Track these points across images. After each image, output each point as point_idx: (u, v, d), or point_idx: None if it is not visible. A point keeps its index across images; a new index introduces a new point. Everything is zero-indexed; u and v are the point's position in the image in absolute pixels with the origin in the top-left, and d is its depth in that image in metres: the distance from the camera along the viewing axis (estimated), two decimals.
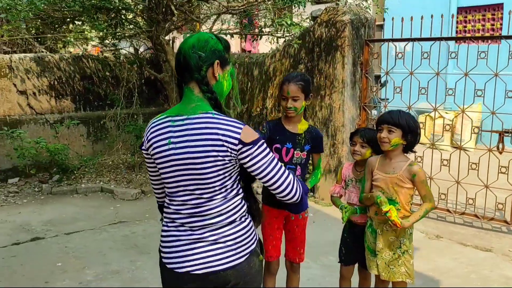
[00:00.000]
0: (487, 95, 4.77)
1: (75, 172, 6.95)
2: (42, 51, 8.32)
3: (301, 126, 2.94)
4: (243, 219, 1.88)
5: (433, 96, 5.09)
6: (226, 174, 1.79)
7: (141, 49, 8.19)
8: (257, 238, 1.95)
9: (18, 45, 9.35)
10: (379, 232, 2.81)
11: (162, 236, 1.90)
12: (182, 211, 1.83)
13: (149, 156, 1.88)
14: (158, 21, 6.06)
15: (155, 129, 1.83)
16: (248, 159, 1.77)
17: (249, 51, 13.81)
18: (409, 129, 2.67)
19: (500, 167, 4.73)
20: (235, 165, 1.81)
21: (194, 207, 1.81)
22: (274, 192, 1.85)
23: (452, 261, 4.21)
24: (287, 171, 1.86)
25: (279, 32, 6.92)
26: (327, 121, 5.68)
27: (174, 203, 1.85)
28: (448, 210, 5.17)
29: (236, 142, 1.74)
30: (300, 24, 6.67)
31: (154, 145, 1.82)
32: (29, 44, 9.12)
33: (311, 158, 3.06)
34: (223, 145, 1.73)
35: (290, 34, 6.46)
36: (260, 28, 6.96)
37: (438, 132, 7.74)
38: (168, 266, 1.86)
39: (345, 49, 5.42)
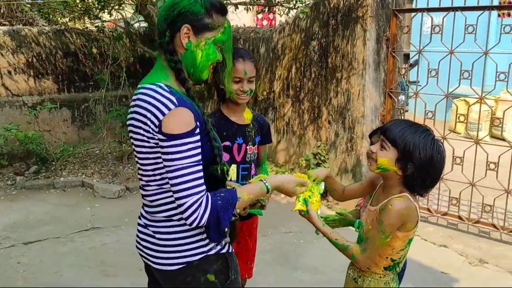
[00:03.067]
0: None
1: (54, 162, 6.09)
2: (44, 25, 7.41)
3: (247, 115, 2.42)
4: (183, 221, 1.53)
5: (477, 80, 4.03)
6: (158, 160, 1.51)
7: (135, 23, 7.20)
8: (214, 253, 1.61)
9: (17, 18, 8.51)
10: (347, 274, 1.99)
11: None
12: (139, 189, 1.68)
13: None
14: None
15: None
16: (161, 149, 1.47)
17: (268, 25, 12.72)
18: (409, 155, 1.66)
19: None
20: None
21: (141, 188, 1.65)
22: (176, 204, 1.50)
23: None
24: (199, 188, 1.46)
25: (290, 2, 5.87)
26: (344, 110, 4.64)
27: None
28: (493, 225, 4.13)
29: (157, 123, 1.46)
30: None
31: None
32: (30, 18, 8.26)
33: None
34: (146, 124, 1.48)
35: (303, 3, 5.40)
36: None
37: (475, 120, 6.65)
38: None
39: (367, 21, 4.34)
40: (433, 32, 4.14)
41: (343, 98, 4.65)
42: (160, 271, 1.61)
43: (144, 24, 7.22)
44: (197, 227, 1.55)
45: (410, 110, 4.51)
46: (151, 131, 1.47)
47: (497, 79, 3.87)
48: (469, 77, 4.01)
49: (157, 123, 1.44)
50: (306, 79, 5.25)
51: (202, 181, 1.48)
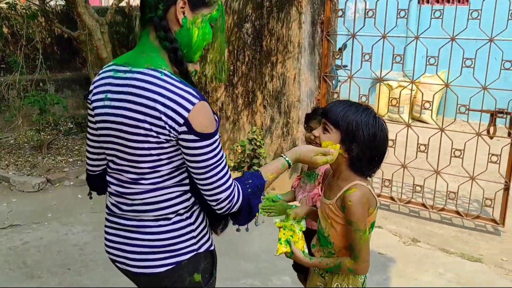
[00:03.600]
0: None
1: None
2: None
3: None
4: (178, 217, 1.46)
5: (406, 64, 4.11)
6: (162, 157, 1.38)
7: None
8: (203, 251, 1.52)
9: None
10: (311, 269, 1.92)
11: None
12: (112, 186, 1.50)
13: (91, 109, 1.50)
14: None
15: (99, 77, 1.49)
16: (189, 150, 1.36)
17: None
18: (353, 135, 1.63)
19: (490, 155, 3.86)
20: (177, 147, 1.38)
21: (120, 185, 1.47)
22: (206, 198, 1.43)
23: (437, 279, 3.33)
24: (230, 180, 1.43)
25: None
26: (279, 94, 4.58)
27: (109, 172, 1.52)
28: (423, 205, 4.29)
29: (181, 121, 1.31)
30: None
31: (94, 97, 1.47)
32: None
33: None
34: (160, 119, 1.31)
35: None
36: None
37: (398, 103, 6.89)
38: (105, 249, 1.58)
39: (302, 3, 4.27)
40: (366, 16, 4.17)
41: (278, 82, 4.58)
42: (143, 275, 1.48)
43: (61, 2, 6.69)
44: (191, 224, 1.49)
45: (343, 95, 4.54)
46: (168, 127, 1.32)
47: (428, 63, 3.98)
48: (401, 61, 4.09)
49: (180, 120, 1.30)
50: (240, 62, 5.11)
51: (230, 172, 1.44)
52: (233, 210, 1.45)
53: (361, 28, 4.16)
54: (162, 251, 1.45)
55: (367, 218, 1.65)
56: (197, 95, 1.33)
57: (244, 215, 1.49)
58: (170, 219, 1.45)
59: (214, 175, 1.38)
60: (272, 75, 4.62)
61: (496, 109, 3.79)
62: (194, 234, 1.49)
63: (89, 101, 1.50)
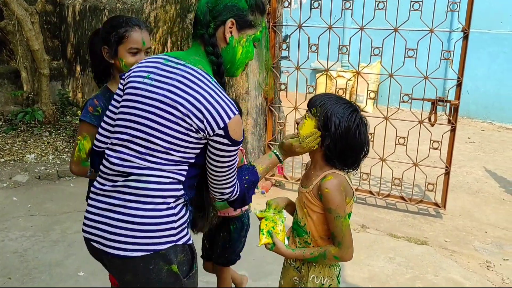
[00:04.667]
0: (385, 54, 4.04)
1: None
2: None
3: None
4: (165, 205, 1.50)
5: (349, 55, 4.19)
6: (181, 143, 1.46)
7: None
8: (181, 244, 1.54)
9: None
10: (284, 263, 1.91)
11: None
12: (109, 158, 1.52)
13: (122, 87, 1.60)
14: None
15: (145, 61, 1.60)
16: (217, 151, 1.50)
17: None
18: (327, 125, 1.65)
19: (432, 141, 4.02)
20: (199, 142, 1.49)
21: (119, 158, 1.50)
22: (212, 188, 1.61)
23: (388, 263, 3.44)
24: (236, 179, 1.63)
25: None
26: (227, 86, 4.48)
27: (112, 144, 1.55)
28: (370, 192, 4.42)
29: (221, 125, 1.45)
30: None
31: (133, 74, 1.57)
32: None
33: None
34: (200, 111, 1.44)
35: None
36: None
37: (343, 93, 7.05)
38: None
39: None
40: (312, 7, 4.19)
41: None
42: (117, 257, 1.49)
43: None
44: (173, 215, 1.52)
45: (291, 86, 4.55)
46: (205, 122, 1.45)
47: (372, 53, 4.07)
48: (347, 52, 4.16)
49: (221, 124, 1.45)
50: None
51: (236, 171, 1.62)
52: (230, 199, 1.67)
53: (307, 19, 4.18)
54: (142, 236, 1.47)
55: (345, 206, 1.65)
56: (235, 107, 1.49)
57: (238, 202, 1.70)
58: (156, 203, 1.48)
59: (227, 174, 1.56)
60: None
61: (437, 98, 3.96)
62: (175, 225, 1.51)
63: (123, 79, 1.60)
